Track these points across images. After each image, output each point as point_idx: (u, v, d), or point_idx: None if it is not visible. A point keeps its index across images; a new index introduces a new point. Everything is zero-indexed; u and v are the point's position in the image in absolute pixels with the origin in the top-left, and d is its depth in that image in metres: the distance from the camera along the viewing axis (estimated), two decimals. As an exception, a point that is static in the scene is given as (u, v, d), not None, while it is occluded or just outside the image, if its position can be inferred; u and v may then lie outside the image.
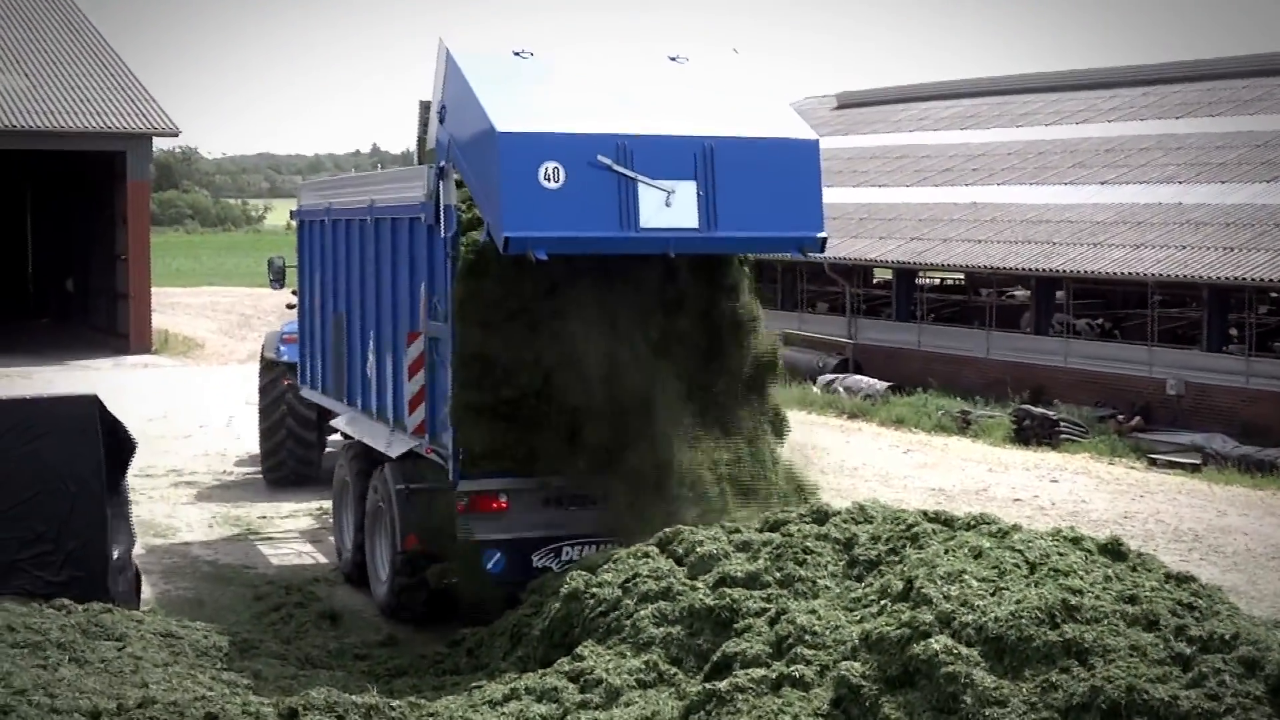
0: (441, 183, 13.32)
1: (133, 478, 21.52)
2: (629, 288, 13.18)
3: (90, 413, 13.17)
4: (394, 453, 14.46)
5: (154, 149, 43.85)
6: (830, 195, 42.67)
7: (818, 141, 13.29)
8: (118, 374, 35.44)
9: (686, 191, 12.66)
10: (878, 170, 41.30)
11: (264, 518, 19.55)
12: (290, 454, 21.20)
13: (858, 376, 32.28)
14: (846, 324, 35.61)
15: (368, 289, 15.91)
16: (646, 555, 11.45)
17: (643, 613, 10.53)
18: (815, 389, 32.03)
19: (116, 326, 42.05)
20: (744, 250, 13.60)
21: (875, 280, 42.46)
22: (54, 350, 40.10)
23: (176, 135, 41.34)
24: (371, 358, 15.68)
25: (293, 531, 18.87)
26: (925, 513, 11.58)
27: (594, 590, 11.07)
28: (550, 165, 12.31)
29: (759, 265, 39.79)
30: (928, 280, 39.81)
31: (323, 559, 17.17)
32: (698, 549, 11.30)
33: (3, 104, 39.39)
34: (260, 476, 21.96)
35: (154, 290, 42.12)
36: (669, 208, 12.59)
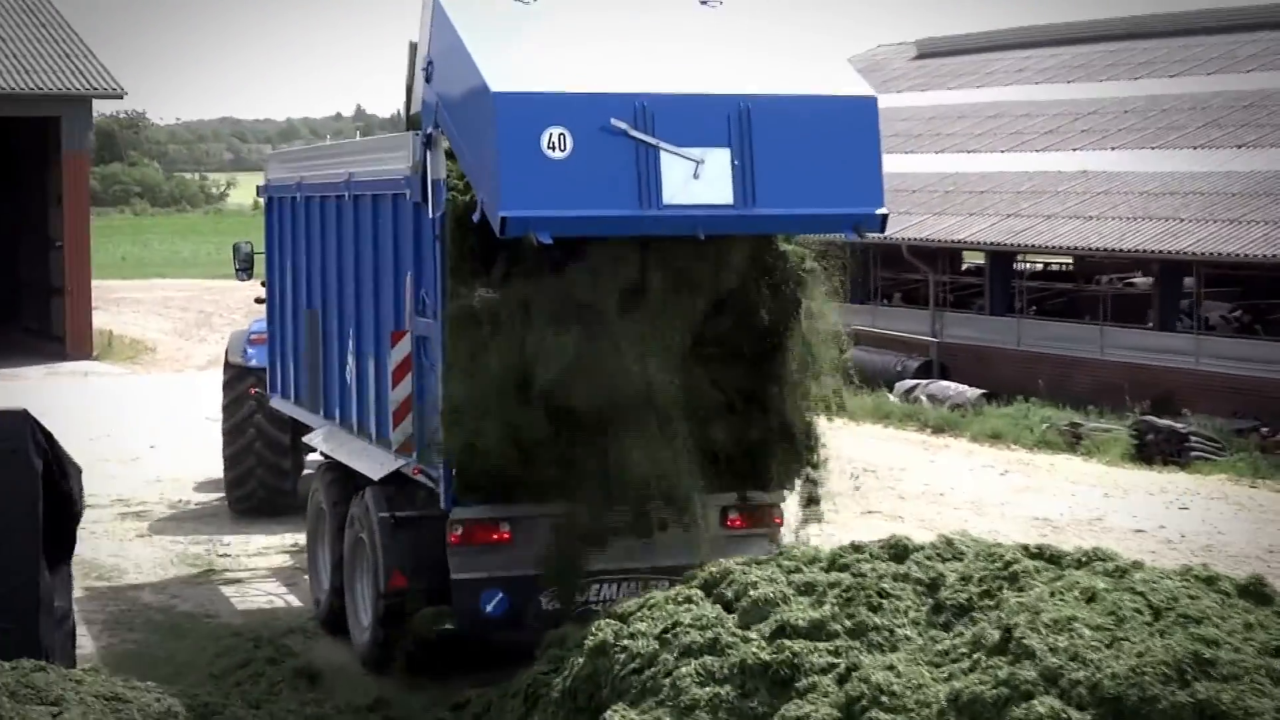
0: (429, 152, 13.32)
1: (71, 509, 21.84)
2: (655, 278, 13.01)
3: (20, 431, 13.18)
4: (376, 475, 14.43)
5: (94, 114, 44.08)
6: (907, 163, 43.08)
7: (875, 99, 13.21)
8: (52, 384, 35.64)
9: (719, 161, 12.49)
10: (966, 133, 41.23)
11: (228, 555, 19.64)
12: (260, 479, 21.28)
13: (944, 383, 32.23)
14: (930, 319, 35.56)
15: (346, 279, 15.91)
16: (688, 600, 11.43)
17: (684, 669, 10.51)
18: (893, 397, 31.99)
19: (50, 328, 42.29)
20: (788, 230, 13.45)
21: (964, 266, 42.40)
22: (-24, 356, 40.35)
23: (121, 98, 41.57)
24: (351, 361, 15.69)
25: (262, 570, 18.94)
26: (1026, 547, 11.54)
27: (625, 642, 11.05)
28: (555, 131, 12.18)
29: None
30: (1028, 265, 39.71)
31: (299, 604, 17.23)
32: (751, 592, 11.28)
33: (-87, 61, 39.70)
34: (224, 504, 22.07)
35: (95, 284, 42.34)
36: (698, 180, 12.43)
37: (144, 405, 32.30)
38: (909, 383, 32.58)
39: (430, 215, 13.32)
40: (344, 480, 15.59)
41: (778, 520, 14.12)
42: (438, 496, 13.41)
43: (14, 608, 13.04)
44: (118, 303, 54.53)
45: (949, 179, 38.22)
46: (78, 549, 19.57)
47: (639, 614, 11.43)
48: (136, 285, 63.09)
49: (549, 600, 13.30)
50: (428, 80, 13.52)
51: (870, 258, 38.00)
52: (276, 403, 18.90)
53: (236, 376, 21.49)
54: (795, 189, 12.65)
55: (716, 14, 13.76)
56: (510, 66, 12.44)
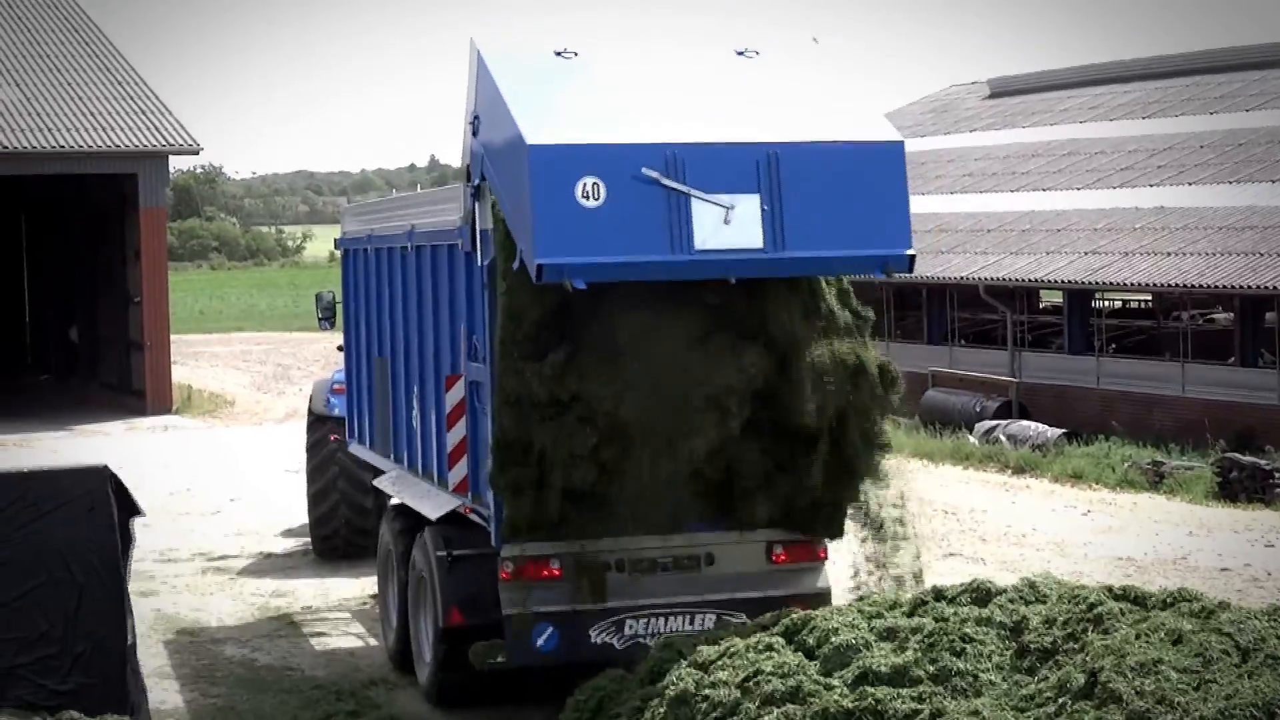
0: (477, 203, 13.80)
1: (152, 563, 22.05)
2: (679, 323, 13.45)
3: (101, 487, 13.32)
4: (434, 514, 14.96)
5: (171, 170, 44.57)
6: (983, 203, 42.86)
7: (902, 144, 13.61)
8: (132, 439, 35.97)
9: (749, 206, 12.89)
10: (1041, 170, 41.09)
11: (309, 607, 19.72)
12: (344, 522, 21.63)
13: (1024, 422, 32.05)
14: (1008, 359, 35.40)
15: (410, 327, 16.47)
16: (770, 648, 11.42)
17: (767, 718, 10.49)
18: (972, 439, 31.85)
19: (130, 383, 42.68)
20: (817, 272, 13.73)
21: (1042, 305, 42.19)
22: (57, 412, 40.78)
23: (197, 153, 42.06)
24: (415, 406, 16.24)
25: (345, 618, 19.02)
26: (1111, 589, 11.45)
27: (706, 692, 11.04)
28: (589, 181, 12.61)
29: (900, 291, 39.64)
30: (1106, 303, 39.49)
31: (381, 655, 17.28)
32: (832, 639, 11.26)
33: (-7, 121, 40.24)
34: (306, 552, 22.27)
35: (174, 338, 42.74)
36: (728, 225, 12.83)
37: (224, 458, 32.53)
38: (988, 423, 32.41)
39: (479, 263, 13.78)
40: (408, 521, 16.03)
41: (822, 554, 14.42)
42: (490, 535, 13.82)
43: (99, 663, 13.16)
44: (196, 356, 55.02)
45: (1025, 217, 38.09)
46: (160, 604, 19.90)
47: (720, 662, 11.43)
48: (215, 339, 63.65)
49: (599, 634, 13.65)
50: (474, 133, 13.93)
51: (947, 299, 37.91)
52: (354, 449, 19.39)
53: (317, 424, 21.93)
54: (824, 232, 13.05)
55: (752, 63, 14.14)
56: (546, 118, 12.91)
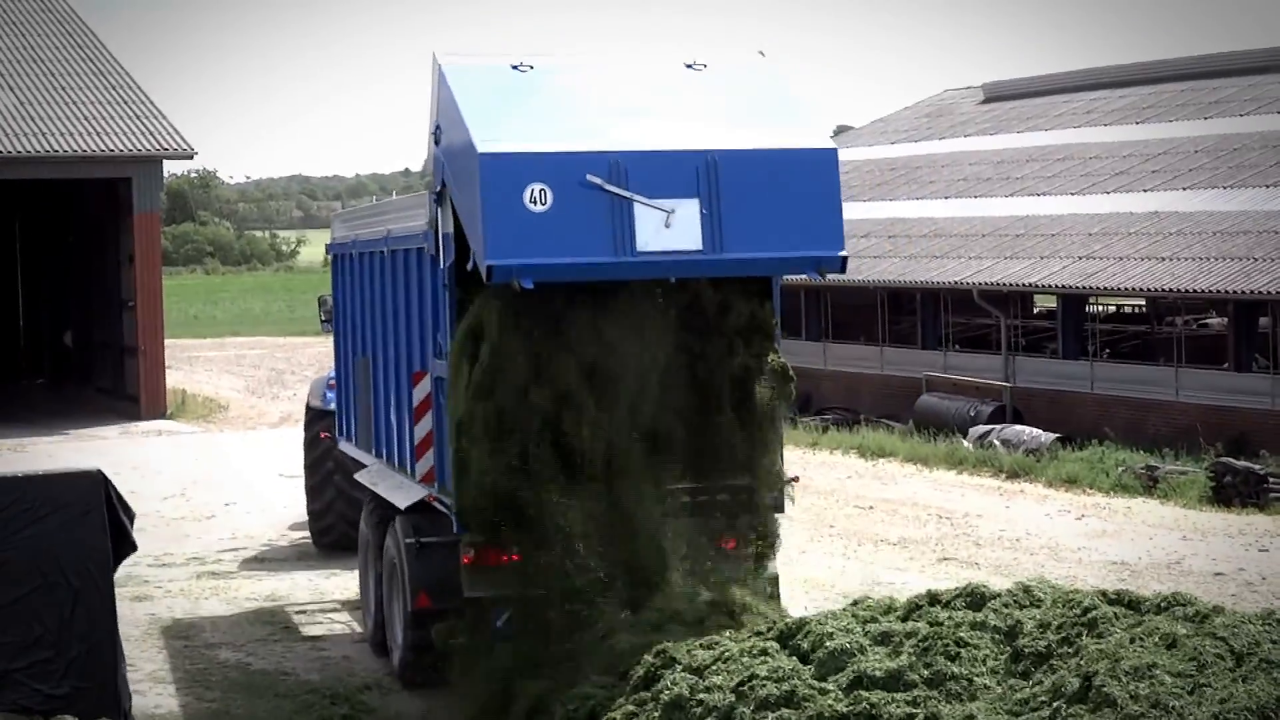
0: (439, 208, 14.67)
1: (147, 568, 22.05)
2: (627, 326, 14.14)
3: (95, 492, 13.34)
4: (403, 503, 15.80)
5: (165, 174, 44.56)
6: (977, 207, 42.86)
7: (835, 151, 14.32)
8: (127, 444, 35.95)
9: (689, 210, 13.65)
10: (1036, 175, 41.12)
11: (304, 612, 19.71)
12: (339, 515, 22.12)
13: (1018, 427, 32.08)
14: (1003, 363, 35.42)
15: (386, 327, 17.40)
16: (764, 652, 11.43)
17: (762, 722, 10.49)
18: (966, 443, 31.87)
19: (124, 387, 42.68)
20: (753, 272, 14.44)
21: (1036, 309, 42.21)
22: (51, 417, 40.76)
23: (191, 158, 42.07)
24: (391, 402, 17.19)
25: (340, 622, 19.03)
26: (1105, 593, 11.47)
27: (701, 697, 11.04)
28: (536, 187, 13.42)
29: (894, 296, 39.60)
30: (1101, 308, 39.50)
31: (376, 660, 17.27)
32: (827, 643, 11.27)
33: (-13, 126, 40.20)
34: (300, 556, 22.43)
35: (168, 343, 42.72)
36: (669, 229, 13.60)
37: (218, 463, 32.53)
38: (982, 428, 32.43)
39: (441, 266, 14.67)
40: (384, 512, 16.78)
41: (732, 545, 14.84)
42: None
43: (91, 666, 13.17)
44: (190, 361, 55.00)
45: (1019, 222, 38.12)
46: (155, 608, 19.89)
47: (714, 667, 11.43)
48: (209, 344, 63.63)
49: None
50: (436, 142, 14.71)
51: (941, 303, 37.93)
52: (343, 445, 20.07)
53: (315, 419, 22.62)
54: (760, 234, 13.84)
55: (700, 75, 14.92)
56: (497, 128, 13.75)
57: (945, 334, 38.12)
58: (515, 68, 14.55)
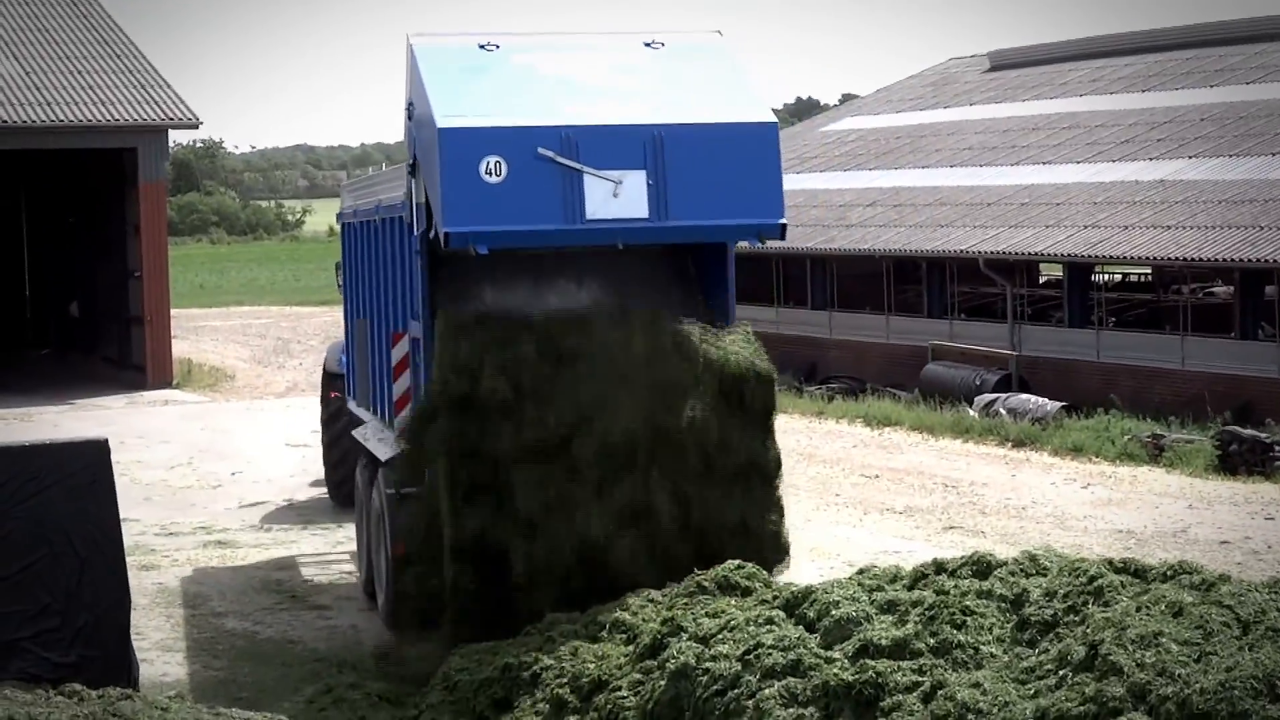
0: (412, 179, 15.63)
1: (154, 537, 22.09)
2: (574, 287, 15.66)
3: (102, 461, 13.34)
4: (384, 456, 16.80)
5: (170, 144, 44.52)
6: (982, 176, 42.86)
7: (775, 124, 15.35)
8: (133, 413, 35.97)
9: (636, 181, 14.76)
10: (1041, 144, 41.05)
11: (310, 581, 19.75)
12: (353, 469, 22.18)
13: (1023, 395, 32.07)
14: (1008, 332, 35.39)
15: (377, 291, 18.44)
16: (770, 621, 11.43)
17: (767, 691, 10.50)
18: (972, 412, 31.86)
19: (130, 357, 42.69)
20: (697, 239, 15.59)
21: (1042, 278, 42.17)
22: (57, 387, 40.77)
23: (196, 127, 41.96)
24: (380, 362, 18.19)
25: (346, 591, 19.05)
26: (1111, 561, 11.46)
27: (708, 665, 11.05)
28: (492, 160, 14.58)
29: (899, 265, 39.59)
30: (1106, 277, 39.45)
31: (383, 629, 17.28)
32: (833, 612, 11.28)
33: (-8, 96, 40.13)
34: (305, 525, 22.43)
35: (174, 313, 42.71)
36: (617, 198, 14.72)
37: (224, 432, 32.55)
38: (988, 396, 32.42)
39: (414, 233, 15.59)
40: (373, 465, 17.66)
41: None
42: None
43: (98, 636, 13.18)
44: (196, 331, 55.00)
45: (1025, 191, 38.05)
46: (162, 577, 19.93)
47: (720, 636, 11.44)
48: (215, 313, 63.61)
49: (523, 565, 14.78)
50: (409, 117, 15.77)
51: (947, 272, 37.87)
52: (351, 405, 20.78)
53: (330, 380, 23.71)
54: (704, 203, 14.92)
55: (657, 53, 16.04)
56: (457, 104, 14.91)
57: (951, 303, 38.09)
58: (482, 47, 15.69)
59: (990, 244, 35.53)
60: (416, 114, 15.47)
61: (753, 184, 15.07)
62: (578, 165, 14.68)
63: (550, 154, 14.65)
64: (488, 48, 15.70)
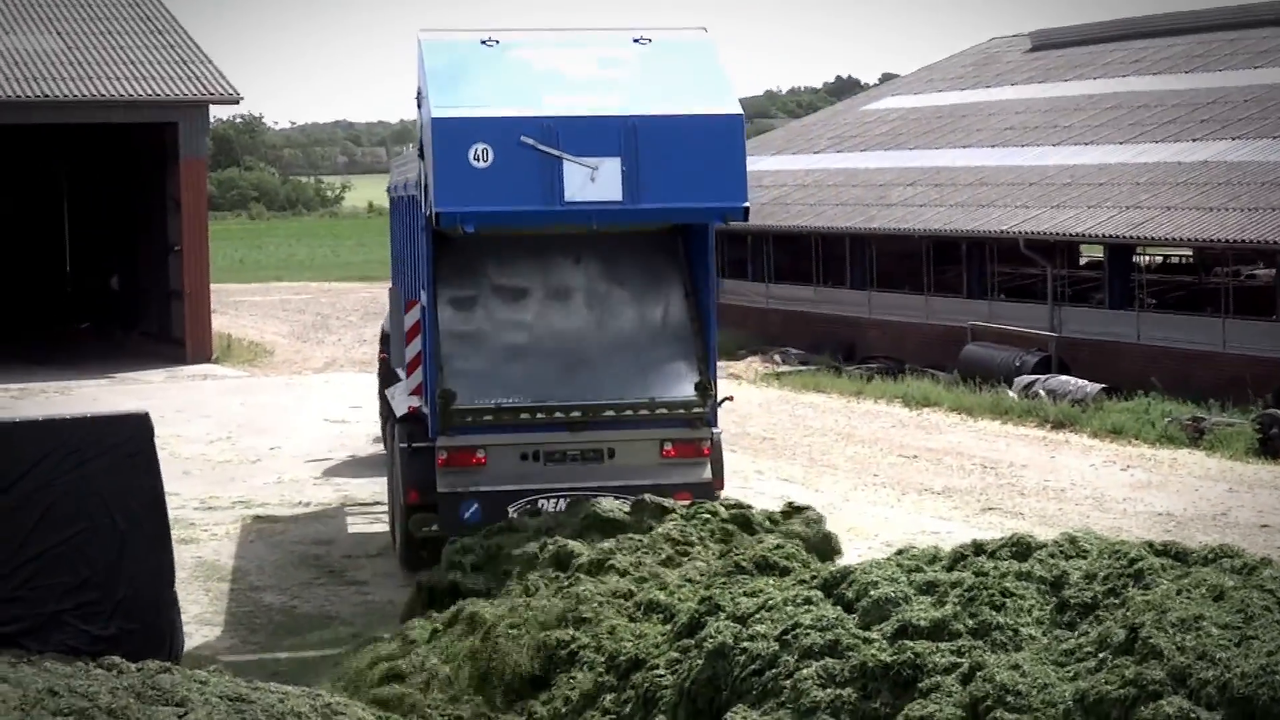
0: (421, 162, 17.17)
1: (193, 511, 22.18)
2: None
3: (143, 434, 13.41)
4: (399, 412, 18.57)
5: (211, 119, 44.61)
6: (1024, 156, 42.67)
7: (741, 116, 16.79)
8: (173, 388, 36.12)
9: (611, 167, 16.30)
10: (1083, 125, 40.85)
11: (349, 556, 19.81)
12: None
13: (1063, 377, 31.95)
14: (1048, 313, 35.25)
15: (403, 262, 20.59)
16: (808, 601, 11.42)
17: (805, 671, 10.49)
18: (1011, 393, 31.76)
19: (170, 331, 42.82)
20: (667, 220, 17.47)
21: (1083, 259, 41.99)
22: (97, 361, 40.95)
23: (237, 103, 42.05)
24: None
25: (385, 566, 19.12)
26: (1151, 544, 11.41)
27: (745, 645, 11.04)
28: (480, 146, 16.19)
29: (939, 245, 39.27)
30: (1148, 259, 39.25)
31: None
32: (871, 592, 11.25)
33: (32, 69, 40.29)
34: (340, 507, 22.51)
35: (213, 288, 42.83)
36: (594, 183, 16.28)
37: (263, 407, 32.65)
38: (1027, 378, 32.30)
39: (424, 211, 17.05)
40: (394, 421, 19.40)
41: (706, 451, 17.39)
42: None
43: (138, 609, 13.26)
44: (235, 306, 55.17)
45: (1066, 171, 37.88)
46: (200, 551, 20.02)
47: (758, 615, 11.43)
48: (254, 289, 63.80)
49: (516, 510, 16.70)
50: (419, 106, 17.29)
51: (987, 253, 37.74)
52: (394, 366, 21.54)
53: (384, 342, 24.56)
54: (674, 188, 16.48)
55: (644, 49, 17.56)
56: (452, 95, 16.59)
57: (991, 283, 37.95)
58: (484, 42, 17.31)
59: (1031, 224, 35.39)
60: (422, 103, 17.02)
61: (719, 170, 16.51)
62: (557, 152, 16.23)
63: (532, 142, 16.22)
64: (489, 43, 17.30)
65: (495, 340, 17.66)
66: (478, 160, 16.17)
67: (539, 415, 17.16)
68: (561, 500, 16.80)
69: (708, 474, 17.36)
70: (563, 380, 17.44)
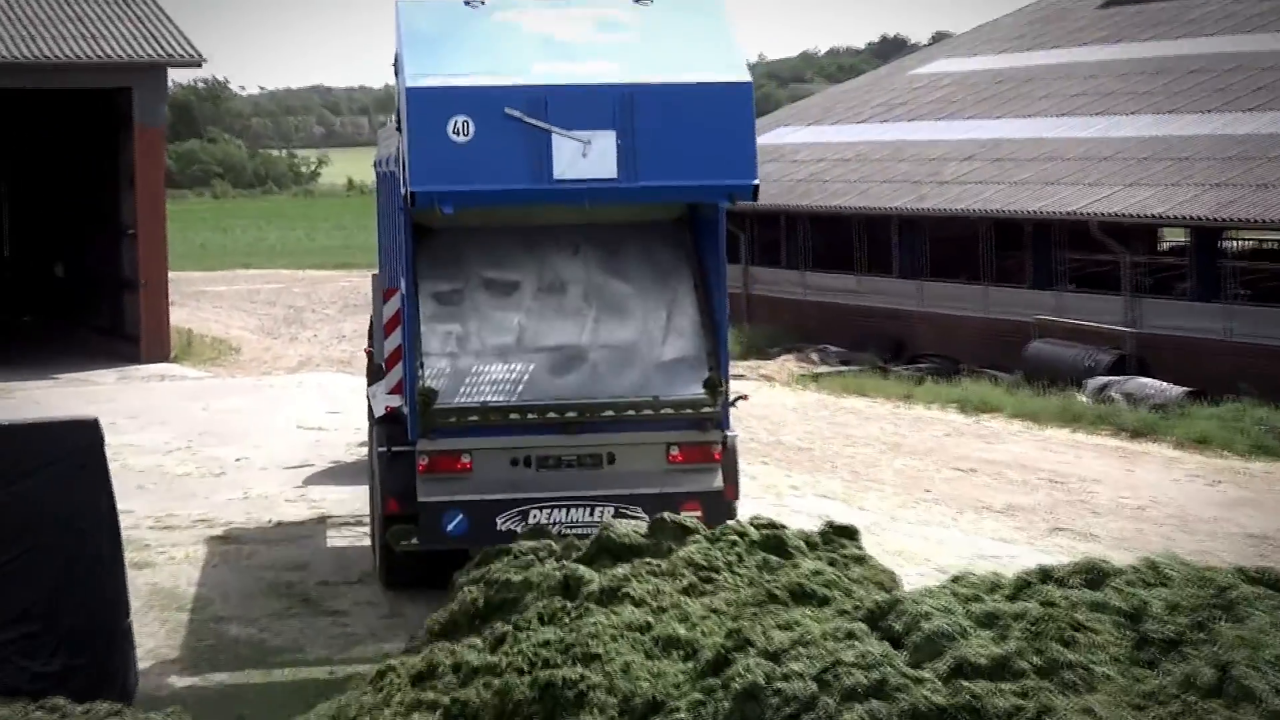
0: (400, 136, 17.11)
1: (148, 531, 22.20)
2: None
3: (92, 443, 13.41)
4: (377, 412, 18.69)
5: (170, 84, 44.67)
6: (1098, 126, 42.61)
7: (750, 85, 16.93)
8: (125, 390, 36.17)
9: (605, 141, 16.43)
10: (1163, 91, 40.82)
11: (326, 583, 19.81)
12: None
13: (1142, 379, 31.93)
14: (1124, 306, 35.23)
15: (384, 245, 20.74)
16: (851, 635, 11.39)
17: (848, 716, 10.47)
18: (1082, 397, 31.75)
19: (123, 326, 42.91)
20: (666, 199, 17.66)
21: (1164, 244, 41.93)
22: (41, 359, 41.03)
23: (199, 65, 42.12)
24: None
25: (366, 594, 19.12)
26: (1244, 571, 11.38)
27: (779, 685, 11.01)
28: (459, 119, 16.33)
29: (1000, 228, 39.38)
30: (1238, 243, 39.21)
31: (403, 639, 17.30)
32: (923, 625, 11.22)
33: (-31, 28, 40.34)
34: (316, 525, 22.58)
35: (172, 276, 42.91)
36: (586, 158, 16.40)
37: (229, 413, 32.68)
38: (1101, 380, 32.30)
39: (403, 190, 16.95)
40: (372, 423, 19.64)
41: (717, 456, 17.48)
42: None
43: (86, 641, 13.25)
44: (197, 297, 55.30)
45: (1145, 144, 37.84)
46: (157, 577, 20.03)
47: (793, 651, 11.40)
48: (218, 277, 63.94)
49: (505, 521, 16.86)
50: (396, 74, 17.41)
51: (1052, 237, 37.71)
52: (378, 362, 21.73)
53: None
54: (674, 164, 16.59)
55: (643, 11, 17.62)
56: (430, 63, 16.73)
57: (1058, 272, 37.91)
58: (467, 3, 17.44)
59: (1104, 205, 35.35)
60: (399, 70, 17.20)
61: (725, 145, 16.67)
62: (545, 125, 16.36)
63: (517, 113, 16.35)
64: (472, 4, 17.44)
65: (482, 332, 17.75)
66: (457, 134, 16.34)
67: (531, 416, 17.25)
68: (556, 511, 17.00)
69: (719, 481, 17.47)
70: (557, 377, 17.54)
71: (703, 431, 17.46)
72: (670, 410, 17.41)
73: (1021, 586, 11.81)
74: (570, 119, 16.38)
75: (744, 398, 18.74)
